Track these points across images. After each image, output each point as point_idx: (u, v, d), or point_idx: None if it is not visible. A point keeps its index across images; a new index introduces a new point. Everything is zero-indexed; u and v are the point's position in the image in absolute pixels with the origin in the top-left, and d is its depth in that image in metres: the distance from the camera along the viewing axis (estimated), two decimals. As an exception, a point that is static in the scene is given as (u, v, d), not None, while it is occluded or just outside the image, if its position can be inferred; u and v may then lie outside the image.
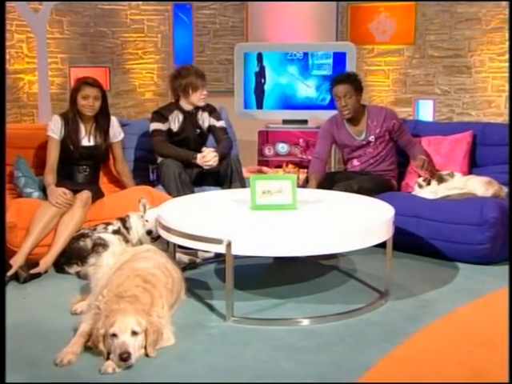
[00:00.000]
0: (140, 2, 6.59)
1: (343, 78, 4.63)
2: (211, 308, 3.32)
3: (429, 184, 4.41)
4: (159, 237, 3.88)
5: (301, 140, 5.68)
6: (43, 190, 4.19)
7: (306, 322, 3.12)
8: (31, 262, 3.77)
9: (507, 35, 6.11)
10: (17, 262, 3.72)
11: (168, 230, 3.38)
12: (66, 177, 4.24)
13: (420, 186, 4.44)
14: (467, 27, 6.32)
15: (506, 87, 6.17)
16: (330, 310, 3.26)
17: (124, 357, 2.57)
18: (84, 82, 4.24)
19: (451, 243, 4.01)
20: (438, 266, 3.99)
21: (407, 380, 2.52)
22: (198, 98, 4.62)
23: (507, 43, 6.09)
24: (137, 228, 3.98)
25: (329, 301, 3.42)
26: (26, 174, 4.24)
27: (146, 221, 3.91)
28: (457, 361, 2.68)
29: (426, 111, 6.49)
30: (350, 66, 5.52)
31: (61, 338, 2.88)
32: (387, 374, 2.62)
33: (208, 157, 4.40)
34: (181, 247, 3.76)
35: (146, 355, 2.70)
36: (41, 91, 5.46)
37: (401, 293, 3.50)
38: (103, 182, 4.59)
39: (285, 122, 5.73)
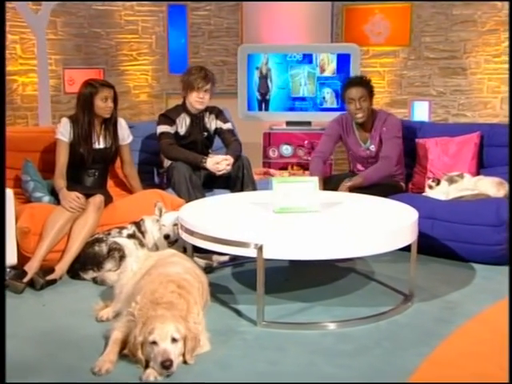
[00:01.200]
0: (134, 3, 6.52)
1: (358, 80, 4.59)
2: (238, 312, 3.28)
3: (438, 185, 4.42)
4: (176, 241, 3.85)
5: (306, 141, 5.67)
6: (52, 194, 4.11)
7: (337, 325, 3.10)
8: (46, 268, 3.69)
9: (503, 37, 6.20)
10: (32, 268, 3.64)
11: (192, 233, 3.33)
12: (74, 181, 4.16)
13: (430, 188, 4.45)
14: (463, 29, 6.39)
15: (502, 88, 6.25)
16: (358, 312, 3.25)
17: (166, 365, 2.53)
18: (101, 84, 4.16)
19: (467, 244, 4.03)
20: (454, 266, 4.01)
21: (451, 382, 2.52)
22: (194, 98, 4.55)
23: (503, 45, 6.18)
24: (152, 232, 3.93)
25: (354, 304, 3.40)
26: (34, 178, 4.15)
27: (163, 225, 3.86)
28: (496, 363, 2.68)
29: (421, 112, 6.54)
30: (355, 68, 5.52)
31: (92, 346, 2.83)
32: (430, 377, 2.60)
33: (222, 164, 4.35)
34: (197, 251, 3.71)
35: (184, 362, 2.66)
36: (41, 93, 5.35)
37: (424, 295, 3.49)
38: (109, 186, 4.52)
39: (288, 123, 5.71)
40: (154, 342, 2.58)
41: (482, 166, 4.71)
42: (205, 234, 3.24)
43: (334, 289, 3.65)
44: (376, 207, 3.70)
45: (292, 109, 5.73)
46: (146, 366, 2.61)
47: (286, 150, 5.68)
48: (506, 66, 6.17)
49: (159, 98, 6.75)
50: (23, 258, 3.72)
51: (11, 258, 3.65)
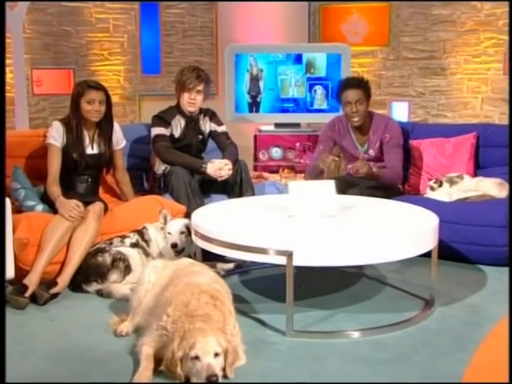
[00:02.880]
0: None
1: (355, 82, 4.54)
2: (261, 322, 3.23)
3: (440, 186, 4.48)
4: (183, 250, 3.78)
5: (297, 144, 5.65)
6: (45, 202, 3.97)
7: (367, 332, 3.09)
8: (47, 281, 3.55)
9: (482, 37, 6.35)
10: (32, 281, 3.50)
11: (209, 239, 3.28)
12: (66, 187, 4.02)
13: (432, 189, 4.50)
14: (442, 29, 6.51)
15: (482, 89, 6.39)
16: (383, 319, 3.24)
17: (213, 380, 2.46)
18: (87, 86, 4.04)
19: (474, 245, 4.09)
20: (463, 269, 4.06)
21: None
22: (185, 99, 4.47)
23: (482, 45, 6.34)
24: (157, 240, 3.84)
25: (376, 310, 3.41)
26: (25, 186, 4.00)
27: (169, 233, 3.77)
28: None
29: (400, 113, 6.62)
30: (345, 68, 5.55)
31: (121, 363, 2.76)
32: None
33: (225, 170, 4.29)
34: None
35: (224, 377, 2.60)
36: (18, 95, 5.16)
37: (443, 299, 3.51)
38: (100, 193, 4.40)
39: (277, 125, 5.69)
40: (197, 357, 2.51)
41: (477, 167, 4.80)
42: (227, 241, 3.18)
43: (350, 295, 3.64)
44: (393, 211, 3.71)
45: (281, 110, 5.70)
46: (186, 383, 2.54)
47: (276, 152, 5.66)
48: (486, 66, 6.32)
49: (132, 100, 6.63)
50: (20, 271, 3.58)
51: (9, 271, 3.49)
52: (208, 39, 6.75)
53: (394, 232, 3.23)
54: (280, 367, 2.73)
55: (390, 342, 2.99)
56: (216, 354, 2.54)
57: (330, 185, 3.54)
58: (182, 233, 3.76)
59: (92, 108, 4.01)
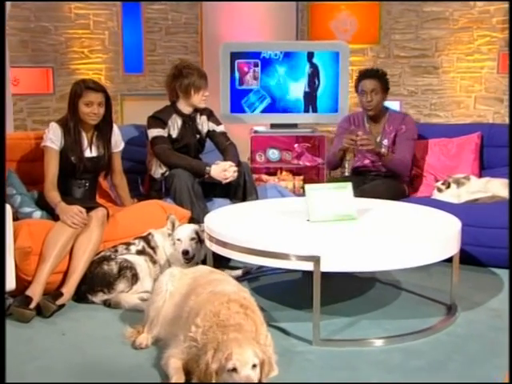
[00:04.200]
0: (86, -5, 6.30)
1: (372, 72, 4.75)
2: (282, 330, 3.21)
3: (448, 187, 4.52)
4: (193, 257, 3.74)
5: (296, 145, 5.64)
6: (42, 207, 3.89)
7: (397, 340, 3.10)
8: (53, 292, 3.48)
9: (475, 35, 6.43)
10: (36, 292, 3.42)
11: (225, 245, 3.27)
12: (61, 192, 3.94)
13: (440, 190, 4.54)
14: (434, 26, 6.58)
15: (475, 87, 6.47)
16: (408, 325, 3.26)
17: (252, 392, 2.44)
18: (86, 87, 3.96)
19: (487, 248, 4.14)
20: (477, 272, 4.10)
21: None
22: (199, 99, 4.47)
23: (476, 43, 6.42)
24: (164, 247, 3.79)
25: (398, 316, 3.42)
26: (20, 191, 3.91)
27: (178, 239, 3.73)
28: None
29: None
30: (343, 67, 5.57)
31: (145, 376, 2.74)
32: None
33: (230, 171, 4.26)
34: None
35: (260, 389, 2.57)
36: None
37: (463, 303, 3.54)
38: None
39: (273, 126, 5.68)
40: (234, 369, 2.48)
41: (482, 167, 4.86)
42: (246, 246, 3.16)
43: (368, 301, 3.66)
44: (412, 214, 3.73)
45: (277, 110, 5.69)
46: (221, 396, 2.51)
47: (273, 154, 5.64)
48: (480, 64, 6.41)
49: (114, 100, 6.34)
50: (20, 282, 3.50)
51: (9, 282, 3.41)
52: (193, 36, 6.70)
53: (422, 237, 3.24)
54: (314, 378, 2.73)
55: (422, 349, 3.01)
56: (253, 366, 2.51)
57: (348, 187, 3.54)
58: (192, 239, 3.72)
59: (90, 111, 3.94)
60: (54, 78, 6.24)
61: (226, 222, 3.53)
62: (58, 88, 6.27)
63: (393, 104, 6.66)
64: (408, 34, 6.66)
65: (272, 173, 5.64)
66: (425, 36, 6.61)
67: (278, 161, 5.67)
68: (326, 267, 3.00)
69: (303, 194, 4.67)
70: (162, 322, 3.03)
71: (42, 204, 3.91)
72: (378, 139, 4.70)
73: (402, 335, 3.14)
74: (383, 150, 4.61)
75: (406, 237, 3.22)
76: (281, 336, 3.16)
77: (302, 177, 5.52)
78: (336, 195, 3.50)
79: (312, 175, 5.62)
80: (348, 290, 3.78)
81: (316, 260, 2.98)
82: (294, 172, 5.61)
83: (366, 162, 4.82)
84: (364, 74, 4.74)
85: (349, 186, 3.56)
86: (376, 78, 4.69)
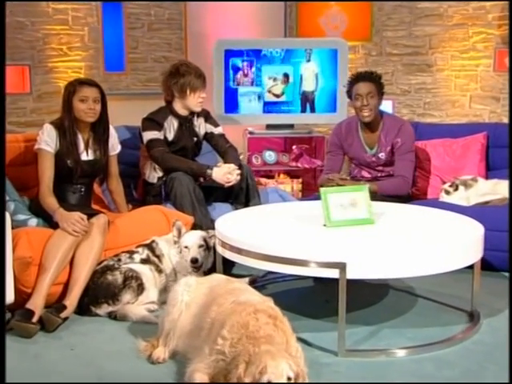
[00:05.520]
0: (64, -11, 6.22)
1: (366, 75, 4.61)
2: (304, 341, 3.19)
3: (456, 190, 4.56)
4: (202, 265, 3.72)
5: (294, 147, 5.63)
6: (37, 214, 3.82)
7: (424, 349, 3.11)
8: (55, 305, 3.42)
9: (471, 32, 6.50)
10: (38, 305, 3.36)
11: (240, 252, 3.26)
12: (56, 198, 3.87)
13: (447, 193, 4.58)
14: (428, 23, 6.63)
15: (471, 86, 6.55)
16: (431, 333, 3.29)
17: (289, 407, 2.42)
18: (80, 82, 3.92)
19: (499, 252, 4.17)
20: (491, 277, 4.10)
21: None
22: (195, 101, 4.43)
23: (471, 40, 6.48)
24: (170, 255, 3.75)
25: (420, 324, 3.44)
26: (13, 198, 3.82)
27: (185, 247, 3.69)
28: None
29: (383, 112, 6.70)
30: (342, 65, 5.58)
31: (172, 393, 2.67)
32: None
33: (233, 174, 4.24)
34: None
35: (294, 403, 2.55)
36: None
37: (485, 310, 3.57)
38: (88, 203, 4.27)
39: (268, 127, 5.66)
40: (269, 383, 2.46)
41: (488, 169, 4.91)
42: (264, 253, 3.15)
43: (386, 308, 3.67)
44: (431, 218, 3.76)
45: (273, 111, 5.68)
46: (254, 411, 2.48)
47: (270, 156, 5.63)
48: (475, 62, 6.48)
49: None
50: (19, 294, 3.42)
51: (8, 295, 3.33)
52: (177, 33, 6.66)
53: (448, 242, 3.26)
54: (349, 391, 2.72)
55: (452, 358, 3.02)
56: (289, 379, 2.49)
57: (364, 189, 3.55)
58: (200, 246, 3.69)
59: (86, 107, 3.89)
60: (31, 77, 6.13)
61: (239, 227, 3.51)
62: (36, 87, 6.18)
63: (385, 103, 6.67)
64: (401, 30, 6.71)
65: (269, 176, 5.62)
66: (418, 33, 6.66)
67: (274, 163, 5.66)
68: (352, 274, 2.99)
69: (303, 198, 4.72)
70: (180, 334, 3.00)
71: (35, 211, 3.85)
72: (374, 151, 4.67)
73: (428, 344, 3.15)
74: (372, 186, 4.34)
75: (433, 242, 3.24)
76: (303, 347, 3.12)
77: (300, 179, 5.51)
78: (352, 198, 3.50)
79: (310, 178, 5.62)
80: (362, 298, 3.78)
81: (342, 267, 2.97)
82: (292, 175, 5.60)
83: (365, 174, 4.78)
84: (357, 78, 4.60)
85: (365, 188, 3.57)
86: (371, 80, 4.56)
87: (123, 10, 6.50)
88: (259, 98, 5.60)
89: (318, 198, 4.48)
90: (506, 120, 6.13)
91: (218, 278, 3.22)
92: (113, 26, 6.48)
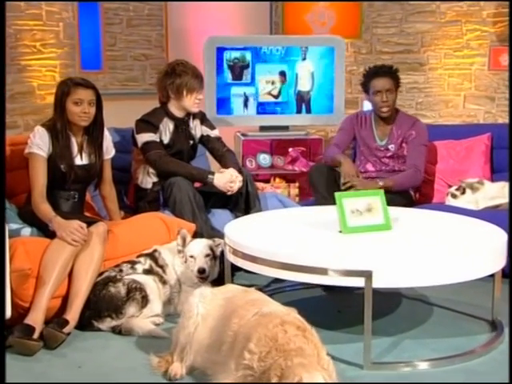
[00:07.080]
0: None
1: (385, 70, 4.76)
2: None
3: (463, 193, 4.61)
4: (209, 275, 3.70)
5: (291, 149, 5.62)
6: (29, 223, 3.76)
7: (452, 360, 3.14)
8: (57, 320, 3.37)
9: (464, 29, 6.59)
10: (38, 321, 3.32)
11: (255, 260, 3.28)
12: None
13: (454, 197, 4.63)
14: (420, 20, 6.69)
15: (465, 85, 6.63)
16: (455, 343, 3.34)
17: (327, 422, 2.42)
18: (74, 83, 3.87)
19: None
20: (505, 284, 4.17)
21: None
22: (191, 102, 4.42)
23: (465, 38, 6.57)
24: (174, 265, 3.73)
25: (442, 334, 3.48)
26: (4, 206, 3.76)
27: (191, 256, 3.67)
28: None
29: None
30: (339, 63, 5.61)
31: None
32: None
33: (236, 182, 4.24)
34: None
35: (328, 419, 2.56)
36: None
37: (505, 318, 3.61)
38: (78, 211, 4.22)
39: (262, 128, 5.65)
40: (305, 397, 2.46)
41: (492, 171, 4.98)
42: (281, 261, 3.16)
43: (402, 318, 3.71)
44: (446, 223, 3.81)
45: (268, 112, 5.67)
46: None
47: (264, 159, 5.62)
48: (469, 60, 6.57)
49: None
50: (15, 309, 3.36)
51: (6, 310, 3.27)
52: (157, 29, 6.61)
53: (472, 249, 3.29)
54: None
55: (482, 369, 3.06)
56: (323, 393, 2.50)
57: (380, 194, 3.57)
58: (206, 255, 3.68)
59: (80, 110, 3.84)
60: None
61: (252, 234, 3.51)
62: (8, 87, 6.03)
63: (376, 103, 6.79)
64: (392, 27, 6.76)
65: (264, 180, 5.61)
66: (410, 30, 6.72)
67: (269, 167, 5.66)
68: (378, 283, 3.01)
69: (302, 203, 4.74)
70: (197, 348, 2.98)
71: (26, 219, 3.79)
72: (384, 142, 4.75)
73: (456, 356, 3.18)
74: (382, 183, 4.49)
75: (457, 250, 3.27)
76: (326, 360, 3.15)
77: (297, 184, 5.51)
78: (368, 203, 3.53)
79: (307, 182, 5.60)
80: (376, 308, 3.75)
81: (368, 275, 2.98)
82: (288, 178, 5.60)
83: (369, 166, 4.85)
84: (376, 73, 4.75)
85: (381, 192, 3.60)
86: (390, 75, 4.72)
87: (100, 5, 6.44)
88: (253, 98, 5.59)
89: (317, 198, 4.57)
90: (501, 120, 6.25)
91: (232, 288, 3.21)
92: (89, 21, 6.41)
